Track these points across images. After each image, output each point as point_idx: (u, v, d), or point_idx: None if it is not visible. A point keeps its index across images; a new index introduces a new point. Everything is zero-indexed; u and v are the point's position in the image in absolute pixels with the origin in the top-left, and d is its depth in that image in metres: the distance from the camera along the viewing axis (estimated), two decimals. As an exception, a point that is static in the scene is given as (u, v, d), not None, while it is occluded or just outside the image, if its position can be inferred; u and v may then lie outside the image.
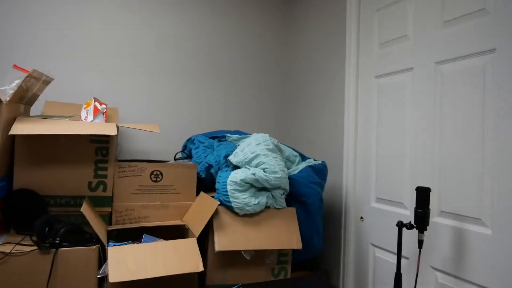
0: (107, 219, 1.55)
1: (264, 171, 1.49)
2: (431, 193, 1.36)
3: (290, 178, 1.62)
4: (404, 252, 1.50)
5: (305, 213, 1.60)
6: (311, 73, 2.21)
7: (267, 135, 1.62)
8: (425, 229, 1.29)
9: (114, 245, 1.34)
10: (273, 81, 2.44)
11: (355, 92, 1.81)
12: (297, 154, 1.83)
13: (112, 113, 1.94)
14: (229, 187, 1.47)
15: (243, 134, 1.85)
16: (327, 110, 2.03)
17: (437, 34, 1.38)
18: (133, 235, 1.52)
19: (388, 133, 1.61)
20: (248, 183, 1.48)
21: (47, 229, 1.26)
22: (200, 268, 1.23)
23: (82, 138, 1.49)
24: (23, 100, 1.46)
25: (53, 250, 1.20)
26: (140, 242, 1.44)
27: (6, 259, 1.16)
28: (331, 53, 2.01)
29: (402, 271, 1.51)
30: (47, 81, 1.58)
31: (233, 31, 2.32)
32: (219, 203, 1.45)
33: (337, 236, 1.88)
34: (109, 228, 1.44)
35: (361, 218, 1.76)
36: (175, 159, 1.90)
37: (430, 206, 1.35)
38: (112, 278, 1.13)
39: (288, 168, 1.70)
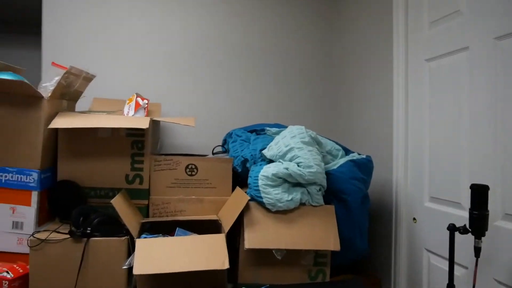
0: (145, 211, 1.58)
1: (298, 166, 1.41)
2: (492, 192, 1.17)
3: (328, 173, 1.51)
4: (463, 261, 1.32)
5: (345, 211, 1.48)
6: (356, 61, 2.06)
7: (303, 127, 1.53)
8: (483, 235, 1.11)
9: (145, 237, 1.36)
10: (316, 71, 2.32)
11: (405, 79, 1.64)
12: (339, 147, 1.71)
13: (155, 108, 1.98)
14: (260, 182, 1.41)
15: (283, 127, 1.77)
16: (374, 100, 1.87)
17: (496, 6, 1.18)
18: (167, 228, 1.52)
19: (442, 123, 1.43)
20: (280, 178, 1.41)
21: (81, 218, 1.31)
22: (226, 265, 1.19)
23: (119, 132, 1.53)
24: (65, 96, 1.54)
25: (85, 239, 1.25)
26: (173, 236, 1.44)
27: (42, 245, 1.23)
28: (377, 38, 1.84)
29: (460, 283, 1.33)
30: (88, 78, 1.65)
31: (274, 22, 2.25)
32: (249, 198, 1.40)
33: (387, 238, 1.72)
34: (143, 221, 1.46)
35: (414, 219, 1.59)
36: (213, 153, 1.88)
37: (491, 208, 1.16)
38: (136, 270, 1.14)
39: (328, 163, 1.59)
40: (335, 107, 2.30)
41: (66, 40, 2.02)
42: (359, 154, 1.67)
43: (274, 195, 1.39)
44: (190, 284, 1.28)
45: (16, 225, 1.38)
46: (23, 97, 1.36)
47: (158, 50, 2.11)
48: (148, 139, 1.55)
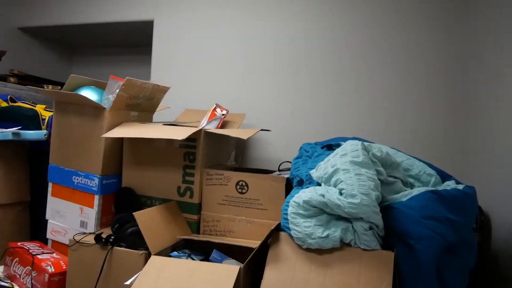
0: (195, 227, 1.55)
1: (340, 193, 1.11)
2: None
3: (391, 207, 1.14)
4: None
5: (412, 263, 1.08)
6: (492, 58, 1.50)
7: (359, 142, 1.20)
8: None
9: (171, 255, 1.33)
10: (435, 76, 1.82)
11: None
12: (433, 172, 1.28)
13: (236, 119, 1.95)
14: (290, 209, 1.18)
15: (364, 142, 1.45)
16: None
17: None
18: (210, 248, 1.45)
19: None
20: (314, 206, 1.14)
21: (117, 225, 1.39)
22: (220, 304, 1.03)
23: (173, 143, 1.55)
24: (136, 107, 1.67)
25: (109, 247, 1.31)
26: (209, 257, 1.37)
27: (77, 246, 1.35)
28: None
29: None
30: (162, 90, 1.75)
31: (382, 22, 1.89)
32: (274, 227, 1.18)
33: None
34: (180, 237, 1.43)
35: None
36: (279, 170, 1.70)
37: None
38: (131, 289, 1.11)
39: (398, 192, 1.20)
40: (468, 121, 1.75)
41: (171, 59, 2.25)
42: (457, 183, 1.20)
43: (304, 228, 1.13)
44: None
45: (83, 224, 1.57)
46: (92, 108, 1.54)
47: (250, 63, 2.09)
48: (200, 151, 1.53)
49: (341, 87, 1.94)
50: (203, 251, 1.43)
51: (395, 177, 1.25)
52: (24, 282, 1.48)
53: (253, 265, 1.23)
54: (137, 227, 1.35)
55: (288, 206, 1.20)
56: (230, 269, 1.15)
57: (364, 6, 1.92)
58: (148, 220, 1.34)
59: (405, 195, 1.17)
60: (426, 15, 1.85)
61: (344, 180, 1.12)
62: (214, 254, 1.39)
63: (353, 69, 1.92)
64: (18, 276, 1.52)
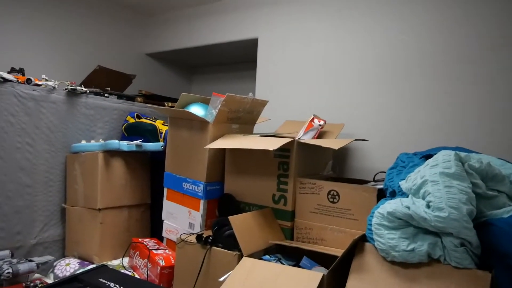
0: (288, 233, 1.64)
1: (427, 206, 1.08)
2: None
3: (489, 224, 1.05)
4: None
5: (513, 287, 0.98)
6: None
7: (454, 152, 1.14)
8: None
9: (262, 258, 1.43)
10: None
11: None
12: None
13: (334, 129, 1.99)
14: (374, 220, 1.18)
15: (466, 152, 1.36)
16: None
17: None
18: (301, 254, 1.51)
19: None
20: (400, 218, 1.12)
21: (215, 228, 1.55)
22: (301, 307, 1.09)
23: (269, 153, 1.67)
24: (238, 120, 1.84)
25: (208, 247, 1.47)
26: (299, 263, 1.44)
27: (183, 245, 1.55)
28: None
29: None
30: (261, 103, 1.90)
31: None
32: (358, 237, 1.19)
33: None
34: (273, 242, 1.53)
35: None
36: (374, 180, 1.67)
37: None
38: (223, 286, 1.25)
39: (501, 207, 1.10)
40: None
41: (273, 73, 2.40)
42: None
43: (388, 239, 1.12)
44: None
45: (191, 225, 1.79)
46: (198, 122, 1.76)
47: (349, 74, 2.10)
48: (293, 161, 1.61)
49: (445, 96, 1.82)
50: (294, 257, 1.51)
51: (498, 191, 1.15)
52: (142, 273, 1.75)
53: (337, 273, 1.26)
54: (233, 230, 1.49)
55: (372, 217, 1.20)
56: (314, 275, 1.20)
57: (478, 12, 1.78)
58: (242, 224, 1.48)
59: (507, 211, 1.07)
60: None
61: (432, 192, 1.08)
62: (304, 260, 1.46)
63: (459, 77, 1.79)
64: (138, 266, 1.81)
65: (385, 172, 1.61)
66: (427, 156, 1.49)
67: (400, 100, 1.94)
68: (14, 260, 1.71)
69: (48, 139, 2.05)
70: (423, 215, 1.06)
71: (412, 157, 1.51)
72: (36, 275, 1.76)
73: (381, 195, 1.46)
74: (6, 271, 1.61)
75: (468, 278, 1.04)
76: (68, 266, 1.87)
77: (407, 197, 1.22)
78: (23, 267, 1.66)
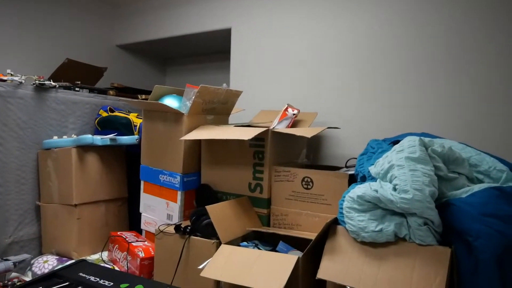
0: (265, 220, 1.71)
1: (394, 188, 1.16)
2: None
3: (449, 203, 1.14)
4: None
5: (470, 261, 1.08)
6: None
7: (418, 138, 1.22)
8: None
9: (239, 245, 1.50)
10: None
11: None
12: (504, 168, 1.24)
13: (308, 117, 2.06)
14: (345, 204, 1.26)
15: (432, 138, 1.45)
16: None
17: None
18: (278, 240, 1.59)
19: None
20: (368, 201, 1.20)
21: (193, 218, 1.60)
22: (278, 289, 1.16)
23: (243, 143, 1.73)
24: (212, 111, 1.88)
25: (186, 236, 1.52)
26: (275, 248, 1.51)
27: (162, 236, 1.60)
28: None
29: None
30: (235, 94, 1.94)
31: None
32: (330, 221, 1.27)
33: None
34: (250, 229, 1.59)
35: None
36: (346, 166, 1.76)
37: None
38: (203, 273, 1.30)
39: (459, 188, 1.19)
40: None
41: (247, 63, 2.44)
42: (529, 179, 1.16)
43: (358, 221, 1.20)
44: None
45: (169, 216, 1.83)
46: (173, 114, 1.80)
47: (320, 63, 2.17)
48: (268, 150, 1.67)
49: (411, 83, 1.91)
50: (271, 242, 1.58)
51: (458, 173, 1.24)
52: (122, 265, 1.79)
53: (312, 255, 1.34)
54: (210, 220, 1.55)
55: (344, 201, 1.28)
56: (290, 258, 1.27)
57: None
58: (219, 213, 1.53)
59: (465, 191, 1.17)
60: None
61: (398, 175, 1.16)
62: (281, 245, 1.53)
63: (424, 64, 1.88)
64: (118, 259, 1.84)
65: (356, 159, 1.70)
66: (395, 142, 1.58)
67: (370, 89, 2.02)
68: (-10, 260, 1.72)
69: (18, 136, 2.04)
70: (390, 197, 1.14)
71: (381, 143, 1.60)
72: (14, 274, 1.77)
73: (353, 180, 1.54)
74: (-18, 271, 1.61)
75: (430, 254, 1.13)
76: (46, 263, 1.88)
77: (376, 181, 1.31)
78: (-1, 266, 1.67)
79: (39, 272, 1.85)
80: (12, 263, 1.71)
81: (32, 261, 1.93)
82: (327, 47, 2.15)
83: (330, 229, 1.33)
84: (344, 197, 1.29)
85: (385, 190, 1.17)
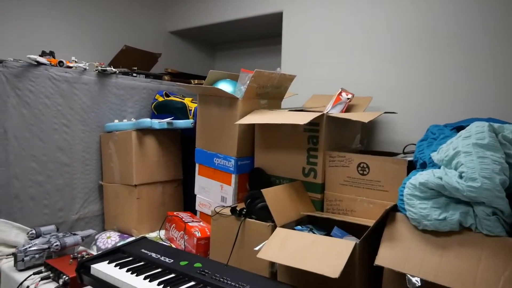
0: (318, 205, 1.70)
1: (460, 176, 1.11)
2: None
3: (520, 192, 1.08)
4: None
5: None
6: None
7: (487, 123, 1.15)
8: None
9: (294, 229, 1.50)
10: None
11: None
12: None
13: (362, 102, 2.01)
14: (406, 191, 1.22)
15: (499, 123, 1.37)
16: None
17: None
18: (333, 225, 1.57)
19: None
20: (432, 189, 1.16)
21: (248, 201, 1.62)
22: (335, 275, 1.15)
23: (298, 128, 1.72)
24: (265, 96, 1.88)
25: (242, 219, 1.55)
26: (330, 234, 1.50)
27: (218, 217, 1.64)
28: None
29: None
30: (288, 78, 1.93)
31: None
32: (389, 208, 1.24)
33: None
34: (304, 213, 1.59)
35: None
36: (403, 152, 1.69)
37: None
38: (259, 254, 1.33)
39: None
40: None
41: (299, 47, 2.40)
42: None
43: (420, 209, 1.16)
44: (319, 285, 1.33)
45: (223, 199, 1.87)
46: (228, 99, 1.81)
47: (376, 46, 2.10)
48: (322, 134, 1.65)
49: (476, 66, 1.80)
50: (325, 227, 1.57)
51: (532, 161, 1.16)
52: (179, 244, 1.86)
53: (369, 242, 1.32)
54: (265, 203, 1.56)
55: (404, 188, 1.24)
56: (347, 244, 1.26)
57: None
58: (274, 196, 1.54)
59: (542, 180, 1.09)
60: None
61: (464, 163, 1.11)
62: (335, 230, 1.52)
63: (490, 46, 1.76)
64: (175, 238, 1.91)
65: (414, 145, 1.64)
66: (458, 127, 1.51)
67: (430, 71, 1.93)
68: (60, 234, 1.84)
69: (83, 120, 2.15)
70: (455, 185, 1.09)
71: (442, 129, 1.53)
72: (81, 248, 1.89)
73: (411, 167, 1.49)
74: (55, 244, 1.74)
75: (499, 245, 1.07)
76: (109, 239, 2.00)
77: (439, 168, 1.26)
78: (69, 240, 1.79)
79: (103, 247, 1.97)
80: (80, 237, 1.83)
81: (96, 237, 2.06)
82: (382, 29, 2.07)
83: (389, 216, 1.30)
84: (405, 183, 1.25)
85: (450, 177, 1.12)
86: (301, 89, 2.30)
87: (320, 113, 1.63)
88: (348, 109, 1.95)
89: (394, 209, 1.32)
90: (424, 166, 1.40)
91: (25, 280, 1.63)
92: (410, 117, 1.98)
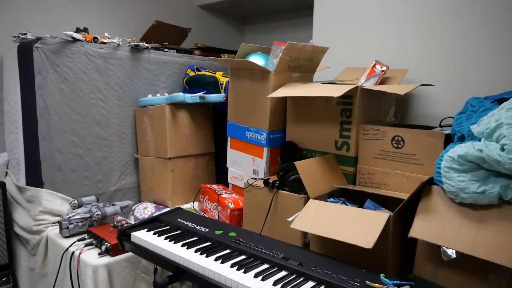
0: (351, 178, 1.70)
1: (502, 149, 1.08)
2: None
3: None
4: None
5: None
6: None
7: (533, 94, 1.11)
8: None
9: (327, 200, 1.51)
10: None
11: None
12: None
13: (397, 75, 1.96)
14: (443, 163, 1.20)
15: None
16: None
17: None
18: (365, 198, 1.57)
19: None
20: (471, 161, 1.13)
21: (281, 173, 1.64)
22: (368, 245, 1.16)
23: (331, 101, 1.70)
24: (298, 69, 1.87)
25: (275, 190, 1.57)
26: (362, 206, 1.51)
27: (250, 189, 1.67)
28: None
29: None
30: (321, 50, 1.89)
31: None
32: (425, 180, 1.22)
33: None
34: (337, 186, 1.60)
35: None
36: (440, 126, 1.65)
37: None
38: (293, 225, 1.35)
39: None
40: None
41: (331, 19, 2.34)
42: None
43: (457, 182, 1.14)
44: (351, 255, 1.34)
45: (255, 171, 1.89)
46: (259, 72, 1.81)
47: (412, 17, 2.01)
48: (356, 107, 1.63)
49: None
50: (358, 200, 1.57)
51: None
52: (213, 215, 1.91)
53: (403, 215, 1.32)
54: (298, 175, 1.57)
55: (441, 160, 1.22)
56: (381, 215, 1.26)
57: None
58: (307, 169, 1.55)
59: None
60: None
61: (507, 135, 1.07)
62: (368, 203, 1.52)
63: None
64: (208, 209, 1.97)
65: (452, 118, 1.59)
66: (500, 100, 1.45)
67: (468, 42, 1.85)
68: (100, 204, 1.93)
69: (118, 95, 2.21)
70: (496, 158, 1.07)
71: (483, 101, 1.47)
72: (120, 217, 1.98)
73: (448, 140, 1.46)
74: (96, 213, 1.83)
75: (541, 218, 1.05)
76: (146, 209, 2.08)
77: (478, 141, 1.22)
78: (109, 210, 1.87)
79: (140, 217, 2.05)
80: (119, 207, 1.91)
81: (133, 207, 2.15)
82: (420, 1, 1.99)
83: (425, 188, 1.28)
84: (442, 156, 1.23)
85: (491, 150, 1.09)
86: (334, 62, 2.26)
87: (353, 86, 1.61)
88: (382, 82, 1.91)
89: (430, 182, 1.30)
90: (462, 139, 1.36)
91: (70, 246, 1.73)
92: (447, 89, 1.92)
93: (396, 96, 1.92)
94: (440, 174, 1.21)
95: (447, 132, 1.49)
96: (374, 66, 1.91)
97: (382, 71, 1.89)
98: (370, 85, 1.85)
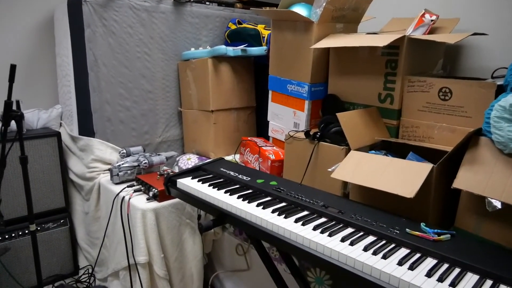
0: (393, 132, 1.67)
1: (559, 97, 1.02)
2: None
3: None
4: None
5: None
6: None
7: None
8: None
9: (369, 152, 1.51)
10: None
11: None
12: None
13: (448, 24, 1.85)
14: (493, 113, 1.15)
15: None
16: None
17: None
18: (407, 151, 1.55)
19: None
20: (524, 111, 1.08)
21: (322, 125, 1.64)
22: (410, 195, 1.16)
23: (376, 52, 1.65)
24: (341, 19, 1.81)
25: (315, 142, 1.58)
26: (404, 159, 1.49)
27: (291, 141, 1.69)
28: None
29: None
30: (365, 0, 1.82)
31: None
32: (473, 131, 1.18)
33: None
34: (378, 138, 1.58)
35: None
36: (492, 77, 1.56)
37: None
38: (333, 174, 1.37)
39: None
40: None
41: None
42: None
43: (508, 132, 1.10)
44: (391, 206, 1.35)
45: (295, 125, 1.90)
46: (302, 23, 1.77)
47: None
48: (402, 58, 1.58)
49: None
50: (400, 154, 1.55)
51: None
52: (254, 166, 1.96)
53: (447, 168, 1.30)
54: (339, 128, 1.57)
55: (491, 110, 1.17)
56: (424, 166, 1.25)
57: None
58: (349, 120, 1.54)
59: None
60: None
61: None
62: (411, 156, 1.50)
63: None
64: (249, 161, 2.02)
65: (506, 68, 1.51)
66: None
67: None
68: (147, 154, 2.03)
69: (162, 48, 2.25)
70: (552, 106, 1.01)
71: (542, 49, 1.38)
72: (165, 167, 2.08)
73: (499, 92, 1.39)
74: (143, 162, 1.93)
75: None
76: (189, 160, 2.17)
77: (533, 90, 1.16)
78: (155, 159, 1.97)
79: (184, 167, 2.15)
80: (164, 157, 2.01)
81: (177, 158, 2.24)
82: None
83: (472, 139, 1.25)
84: (493, 106, 1.18)
85: (547, 98, 1.03)
86: (379, 12, 2.16)
87: (400, 35, 1.54)
88: (431, 32, 1.81)
89: (478, 133, 1.26)
90: None
91: (120, 191, 1.85)
92: (501, 39, 1.80)
93: (446, 46, 1.83)
94: (489, 124, 1.17)
95: (499, 83, 1.42)
96: (423, 15, 1.81)
97: (432, 20, 1.79)
98: (418, 35, 1.77)
